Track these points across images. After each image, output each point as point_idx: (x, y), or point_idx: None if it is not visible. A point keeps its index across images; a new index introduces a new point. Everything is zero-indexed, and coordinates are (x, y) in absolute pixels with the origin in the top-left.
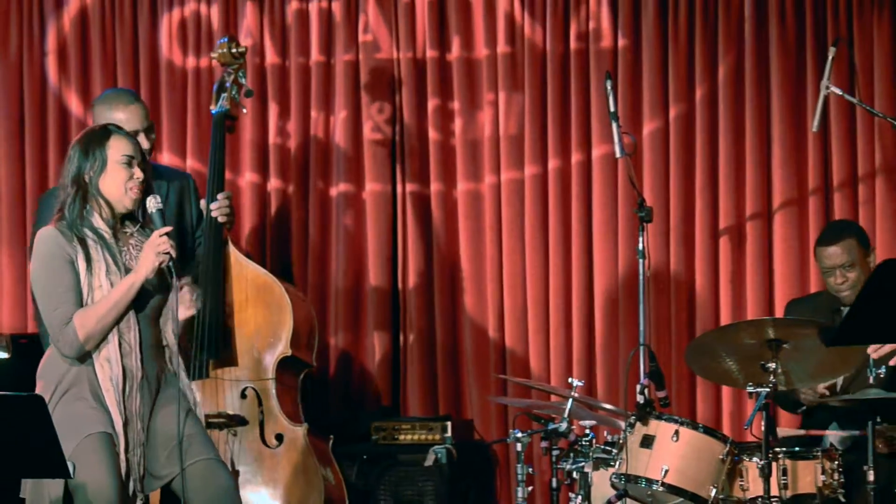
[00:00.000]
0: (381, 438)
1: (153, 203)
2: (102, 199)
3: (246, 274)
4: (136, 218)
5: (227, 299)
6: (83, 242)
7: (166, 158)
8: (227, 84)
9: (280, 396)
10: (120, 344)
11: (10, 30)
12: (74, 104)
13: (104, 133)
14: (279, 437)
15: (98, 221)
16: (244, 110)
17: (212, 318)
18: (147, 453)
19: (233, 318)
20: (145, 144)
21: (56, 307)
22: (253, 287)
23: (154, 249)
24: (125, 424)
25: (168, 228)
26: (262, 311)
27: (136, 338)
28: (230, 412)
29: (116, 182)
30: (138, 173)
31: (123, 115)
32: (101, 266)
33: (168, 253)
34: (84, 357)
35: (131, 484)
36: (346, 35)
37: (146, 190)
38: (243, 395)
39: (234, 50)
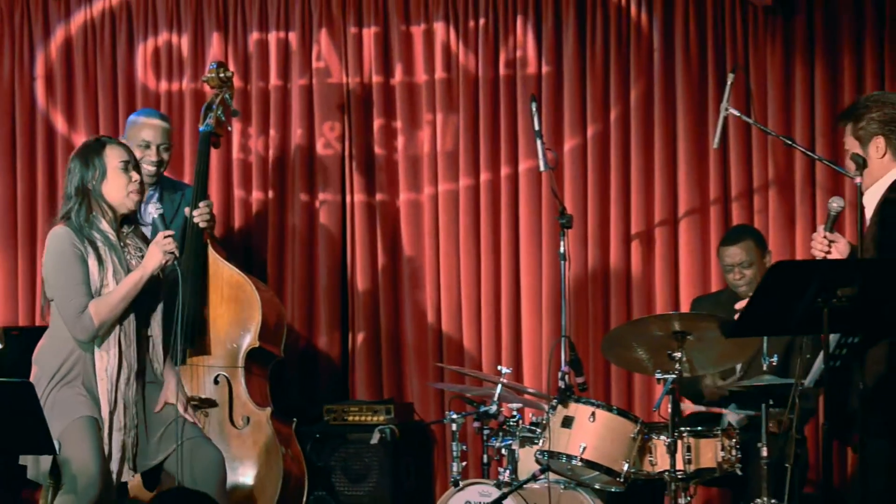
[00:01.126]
0: (332, 419)
1: (154, 209)
2: (106, 203)
3: (222, 273)
4: (131, 220)
5: (205, 295)
6: (93, 244)
7: None
8: (214, 105)
9: (248, 383)
10: (121, 338)
11: (3, 57)
12: (60, 123)
13: (99, 144)
14: (246, 419)
15: (104, 225)
16: (230, 128)
17: (190, 312)
18: (140, 435)
19: (209, 311)
20: (153, 157)
21: (72, 298)
22: (227, 285)
23: (161, 248)
24: (115, 410)
25: (171, 232)
26: (235, 306)
27: (133, 332)
28: (203, 396)
29: (117, 187)
30: (136, 176)
31: (145, 129)
32: (110, 266)
33: (173, 252)
34: (85, 346)
35: (115, 464)
36: (301, 62)
37: (142, 192)
38: (216, 381)
39: (221, 74)
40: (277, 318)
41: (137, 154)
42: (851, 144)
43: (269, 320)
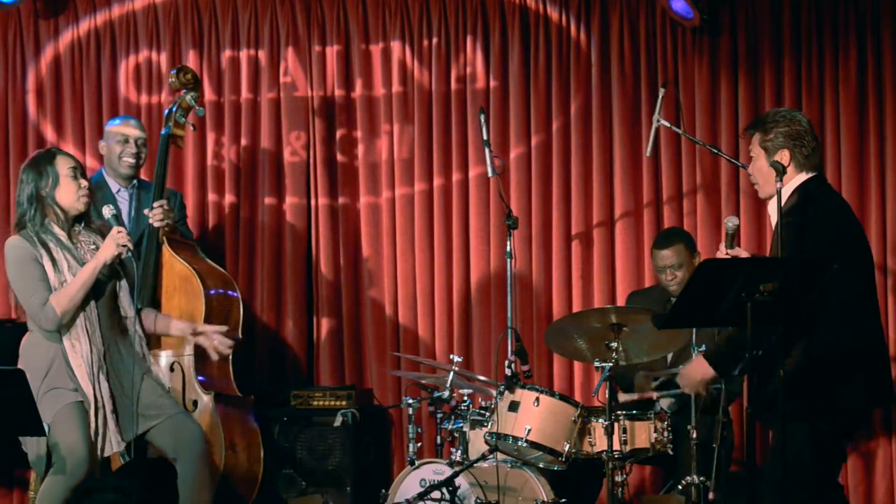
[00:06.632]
0: (299, 403)
1: (108, 211)
2: (59, 207)
3: (174, 268)
4: (82, 220)
5: (160, 289)
6: (46, 247)
7: None
8: (174, 108)
9: (198, 369)
10: (86, 325)
11: None
12: (49, 133)
13: (50, 154)
14: (195, 403)
15: (55, 228)
16: (193, 128)
17: (146, 305)
18: (120, 410)
19: (162, 304)
20: (132, 149)
21: (32, 294)
22: (178, 279)
23: (115, 241)
24: (96, 391)
25: (123, 228)
26: (184, 298)
27: (96, 319)
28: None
29: (68, 192)
30: (84, 182)
31: (123, 127)
32: (65, 264)
33: (126, 245)
34: (56, 338)
35: (99, 440)
36: (270, 77)
37: (91, 195)
38: (171, 368)
39: (182, 77)
40: (221, 307)
41: (117, 149)
42: (757, 153)
43: (213, 309)
